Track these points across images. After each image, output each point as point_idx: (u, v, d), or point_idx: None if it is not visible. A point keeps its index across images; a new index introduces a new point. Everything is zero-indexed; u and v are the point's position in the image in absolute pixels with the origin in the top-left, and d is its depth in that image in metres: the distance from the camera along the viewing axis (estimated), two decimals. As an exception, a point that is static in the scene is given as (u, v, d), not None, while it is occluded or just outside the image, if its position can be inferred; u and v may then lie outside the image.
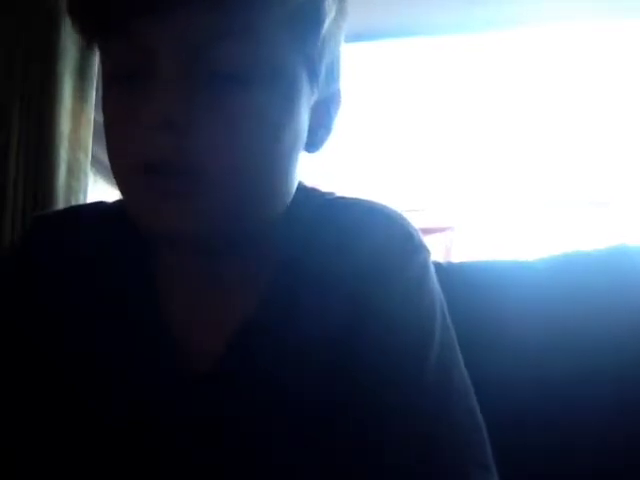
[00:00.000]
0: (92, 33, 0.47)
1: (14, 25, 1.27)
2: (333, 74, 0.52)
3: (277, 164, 0.47)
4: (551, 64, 2.28)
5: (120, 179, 0.47)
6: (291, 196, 0.50)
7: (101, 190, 1.93)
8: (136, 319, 0.52)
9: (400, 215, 0.52)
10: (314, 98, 0.50)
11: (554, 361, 0.67)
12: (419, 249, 0.51)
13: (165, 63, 0.42)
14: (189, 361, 0.51)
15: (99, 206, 0.60)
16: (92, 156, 1.44)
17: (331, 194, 0.56)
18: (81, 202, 1.37)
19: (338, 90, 0.53)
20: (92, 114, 1.41)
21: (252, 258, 0.52)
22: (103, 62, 0.47)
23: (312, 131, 0.51)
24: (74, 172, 1.36)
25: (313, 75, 0.49)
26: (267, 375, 0.50)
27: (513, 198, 2.79)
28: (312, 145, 0.52)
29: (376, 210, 0.53)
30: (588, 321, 0.68)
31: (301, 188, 0.53)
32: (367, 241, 0.50)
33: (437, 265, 0.55)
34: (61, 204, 1.31)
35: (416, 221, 0.54)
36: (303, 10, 0.45)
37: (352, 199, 0.55)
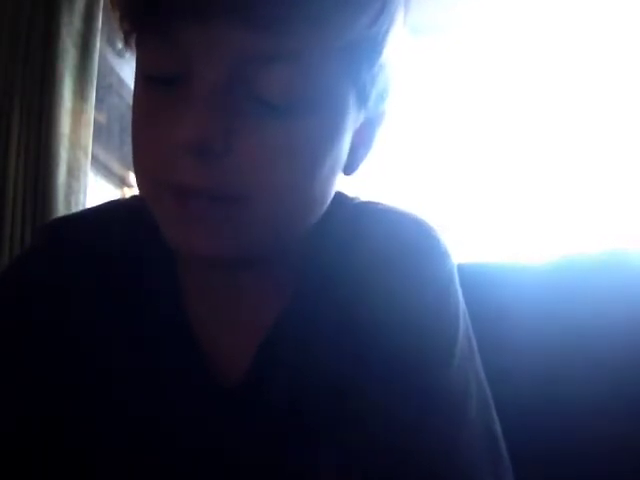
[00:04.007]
0: (130, 28, 0.42)
1: (14, 25, 1.27)
2: (384, 95, 0.48)
3: (314, 189, 0.44)
4: (551, 62, 2.28)
5: (147, 195, 0.44)
6: (324, 210, 0.48)
7: (101, 190, 1.93)
8: (164, 335, 0.51)
9: (427, 223, 0.52)
10: (360, 120, 0.47)
11: (553, 362, 0.67)
12: (447, 256, 0.50)
13: (203, 75, 0.39)
14: (215, 376, 0.51)
15: (116, 213, 0.56)
16: (92, 156, 1.44)
17: (356, 198, 0.55)
18: (81, 202, 1.38)
19: (385, 109, 0.50)
20: (92, 114, 1.41)
21: (280, 269, 0.51)
22: (138, 58, 0.43)
23: (352, 150, 0.47)
24: (74, 172, 1.36)
25: (362, 100, 0.45)
26: (289, 386, 0.49)
27: (511, 198, 2.79)
28: (350, 166, 0.49)
29: (405, 217, 0.52)
30: (587, 322, 0.68)
31: None
32: (395, 248, 0.49)
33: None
34: (61, 204, 1.31)
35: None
36: (362, 41, 0.41)
37: (378, 205, 0.54)
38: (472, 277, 0.54)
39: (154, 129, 0.41)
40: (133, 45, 0.43)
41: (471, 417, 0.44)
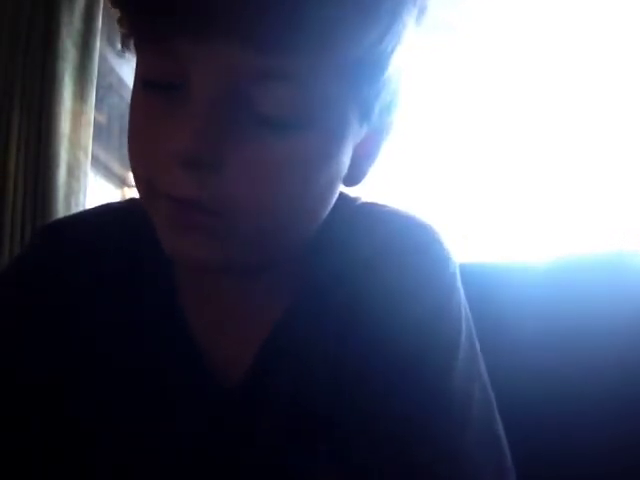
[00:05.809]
0: (128, 32, 0.42)
1: (14, 25, 1.28)
2: (390, 108, 0.46)
3: (308, 204, 0.44)
4: (552, 61, 2.28)
5: (142, 198, 0.45)
6: (322, 219, 0.47)
7: (101, 190, 1.93)
8: (161, 335, 0.51)
9: (431, 225, 0.51)
10: (362, 133, 0.46)
11: (552, 362, 0.67)
12: (449, 259, 0.50)
13: (200, 88, 0.38)
14: (214, 376, 0.51)
15: (114, 214, 0.56)
16: (92, 156, 1.44)
17: (357, 199, 0.55)
18: (81, 202, 1.38)
19: (392, 121, 0.48)
20: (92, 114, 1.41)
21: (281, 271, 0.50)
22: (137, 61, 0.43)
23: (354, 163, 0.46)
24: (74, 172, 1.36)
25: (365, 114, 0.44)
26: (292, 382, 0.49)
27: (512, 198, 2.79)
28: (353, 178, 0.48)
29: (408, 219, 0.51)
30: (587, 322, 0.68)
31: None
32: (398, 249, 0.49)
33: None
34: (61, 204, 1.31)
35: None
36: (364, 60, 0.40)
37: (382, 207, 0.53)
38: (472, 277, 0.54)
39: (149, 135, 0.41)
40: (132, 46, 0.43)
41: (473, 418, 0.45)
